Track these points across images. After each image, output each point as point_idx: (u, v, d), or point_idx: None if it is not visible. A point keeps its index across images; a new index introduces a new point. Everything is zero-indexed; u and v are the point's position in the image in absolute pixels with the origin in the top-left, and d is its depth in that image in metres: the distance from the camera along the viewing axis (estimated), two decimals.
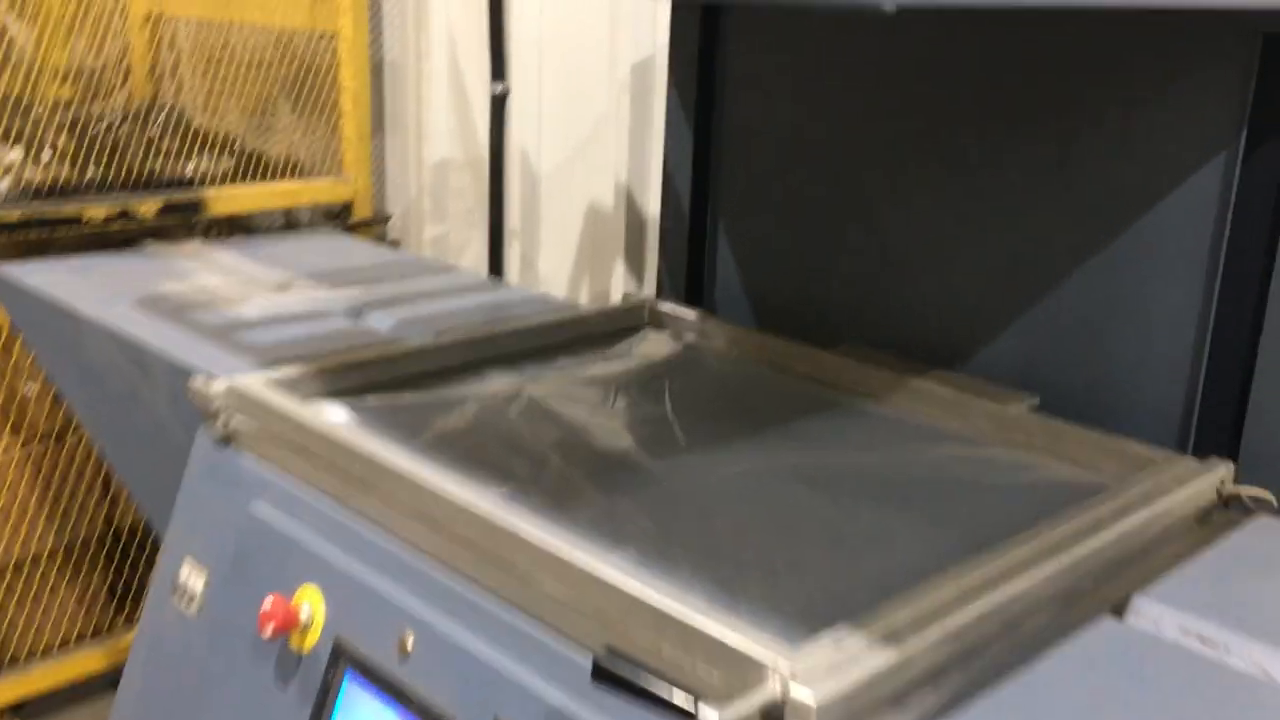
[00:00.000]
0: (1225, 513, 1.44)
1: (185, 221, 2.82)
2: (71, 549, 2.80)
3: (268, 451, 1.51)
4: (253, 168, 2.92)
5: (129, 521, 2.87)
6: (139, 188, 2.70)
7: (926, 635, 1.05)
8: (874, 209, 1.87)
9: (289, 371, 1.60)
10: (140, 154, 2.74)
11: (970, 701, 1.03)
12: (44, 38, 2.87)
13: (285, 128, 3.08)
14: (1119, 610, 1.24)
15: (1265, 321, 1.48)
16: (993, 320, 1.74)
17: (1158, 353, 1.58)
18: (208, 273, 2.23)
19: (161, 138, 2.87)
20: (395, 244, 3.27)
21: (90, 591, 2.86)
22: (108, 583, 2.89)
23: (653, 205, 2.56)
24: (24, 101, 2.76)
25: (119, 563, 2.87)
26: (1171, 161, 1.54)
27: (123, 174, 2.66)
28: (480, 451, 1.44)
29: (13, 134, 2.63)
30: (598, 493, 1.34)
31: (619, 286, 2.63)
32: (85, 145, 2.64)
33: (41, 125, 2.70)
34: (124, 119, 2.92)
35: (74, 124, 2.76)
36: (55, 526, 2.75)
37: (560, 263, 2.85)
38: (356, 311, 2.02)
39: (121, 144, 2.70)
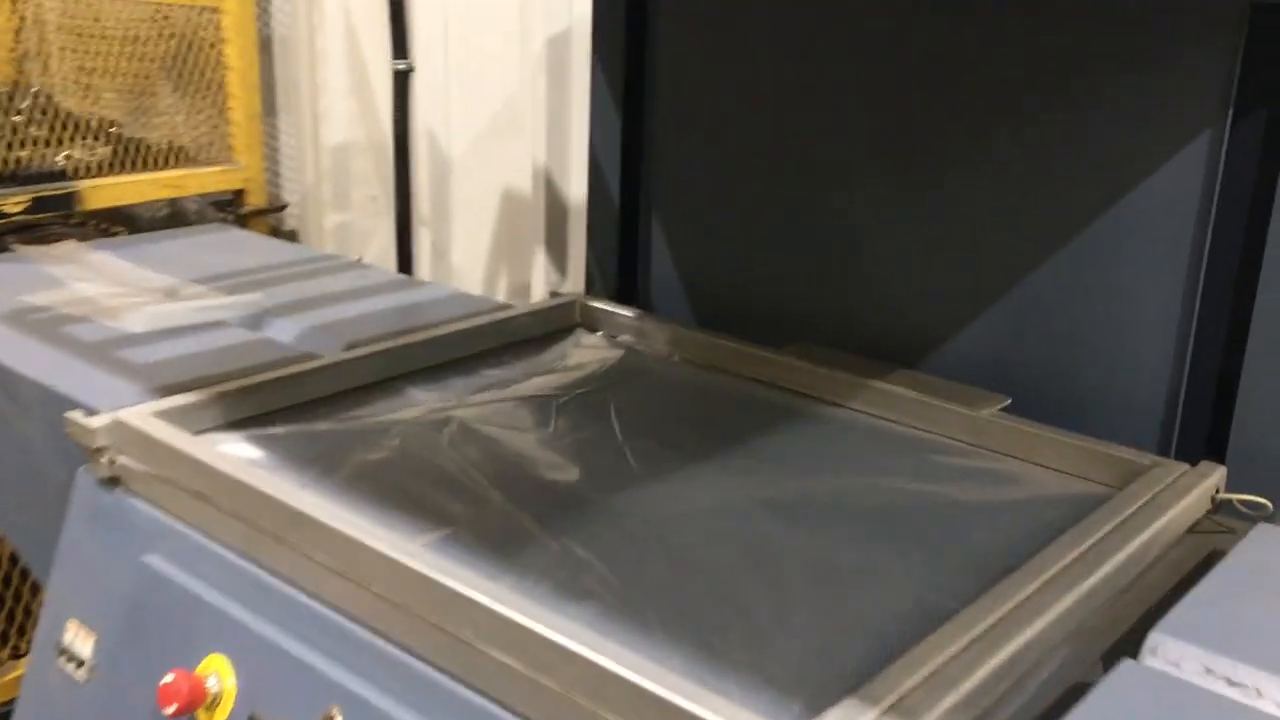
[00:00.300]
0: (1215, 519, 1.34)
1: (58, 218, 2.57)
2: None
3: (161, 495, 1.32)
4: (132, 156, 2.67)
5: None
6: (2, 181, 2.44)
7: (941, 704, 0.92)
8: (824, 196, 1.73)
9: (181, 400, 1.40)
10: (3, 143, 2.48)
11: None
12: None
13: (167, 111, 2.83)
14: (1133, 647, 1.13)
15: (1254, 313, 1.38)
16: (956, 315, 1.62)
17: (1137, 348, 1.48)
18: (84, 278, 2.00)
19: (27, 124, 2.61)
20: (293, 234, 3.05)
21: None
22: None
23: (574, 191, 2.39)
24: None
25: None
26: (1151, 142, 1.43)
27: None
28: (409, 489, 1.27)
29: None
30: (548, 536, 1.18)
31: (540, 279, 2.46)
32: None
33: None
34: None
35: None
36: None
37: (475, 254, 2.66)
38: (255, 320, 1.82)
39: None
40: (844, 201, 1.71)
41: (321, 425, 1.43)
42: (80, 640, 1.36)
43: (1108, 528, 1.20)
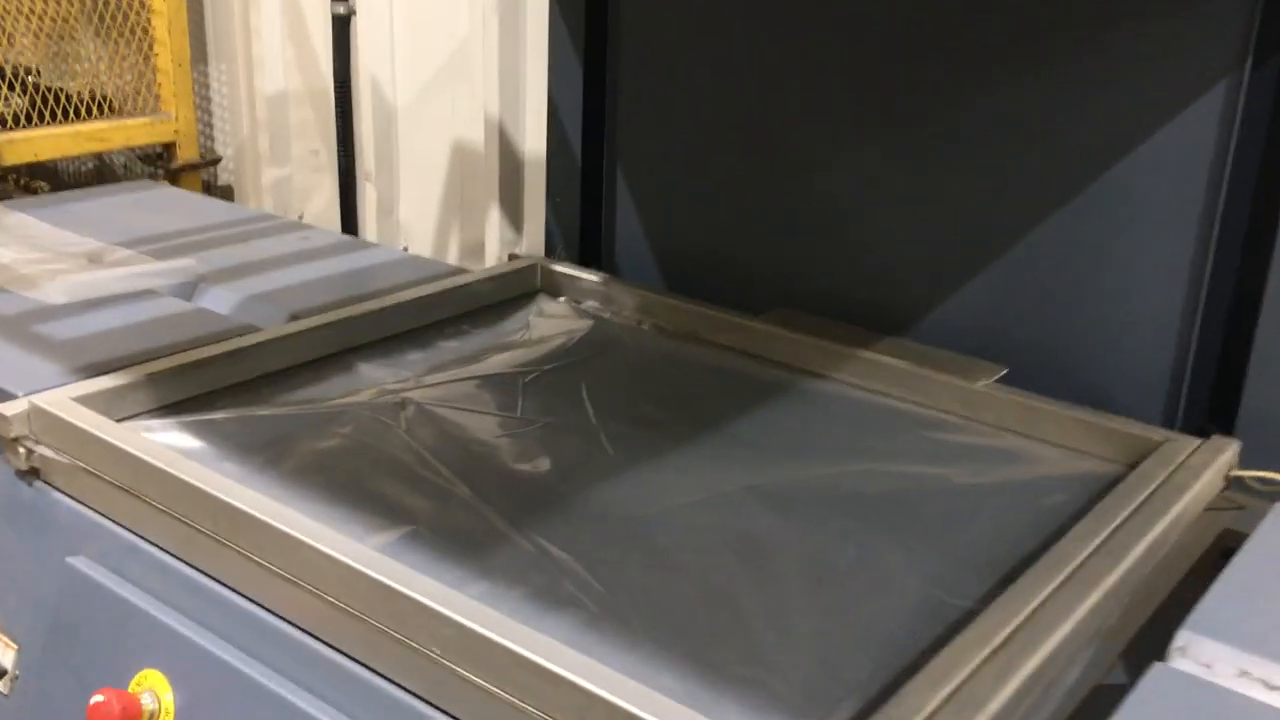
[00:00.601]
0: (1227, 495, 1.26)
1: None
2: None
3: (86, 490, 1.19)
4: (52, 107, 2.49)
5: None
6: None
7: None
8: (804, 150, 1.61)
9: (104, 383, 1.27)
10: None
11: None
12: None
13: (89, 58, 2.64)
14: (1156, 644, 1.05)
15: (1269, 276, 1.30)
16: (946, 278, 1.52)
17: (1140, 314, 1.39)
18: (0, 242, 1.84)
19: None
20: (228, 191, 2.88)
21: None
22: None
23: (529, 143, 2.25)
24: None
25: None
26: (1161, 94, 1.33)
27: None
28: (363, 482, 1.15)
29: None
30: (519, 536, 1.07)
31: (494, 239, 2.33)
32: None
33: None
34: None
35: None
36: None
37: (423, 211, 2.51)
38: (188, 289, 1.68)
39: None
40: (825, 156, 1.60)
41: (263, 409, 1.30)
42: (0, 650, 1.23)
43: (1125, 513, 1.11)
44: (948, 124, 1.48)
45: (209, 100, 2.87)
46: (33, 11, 2.63)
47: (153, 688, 1.07)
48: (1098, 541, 1.06)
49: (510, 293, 1.69)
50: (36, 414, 1.22)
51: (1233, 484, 1.28)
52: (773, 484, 1.17)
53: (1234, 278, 1.33)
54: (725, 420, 1.32)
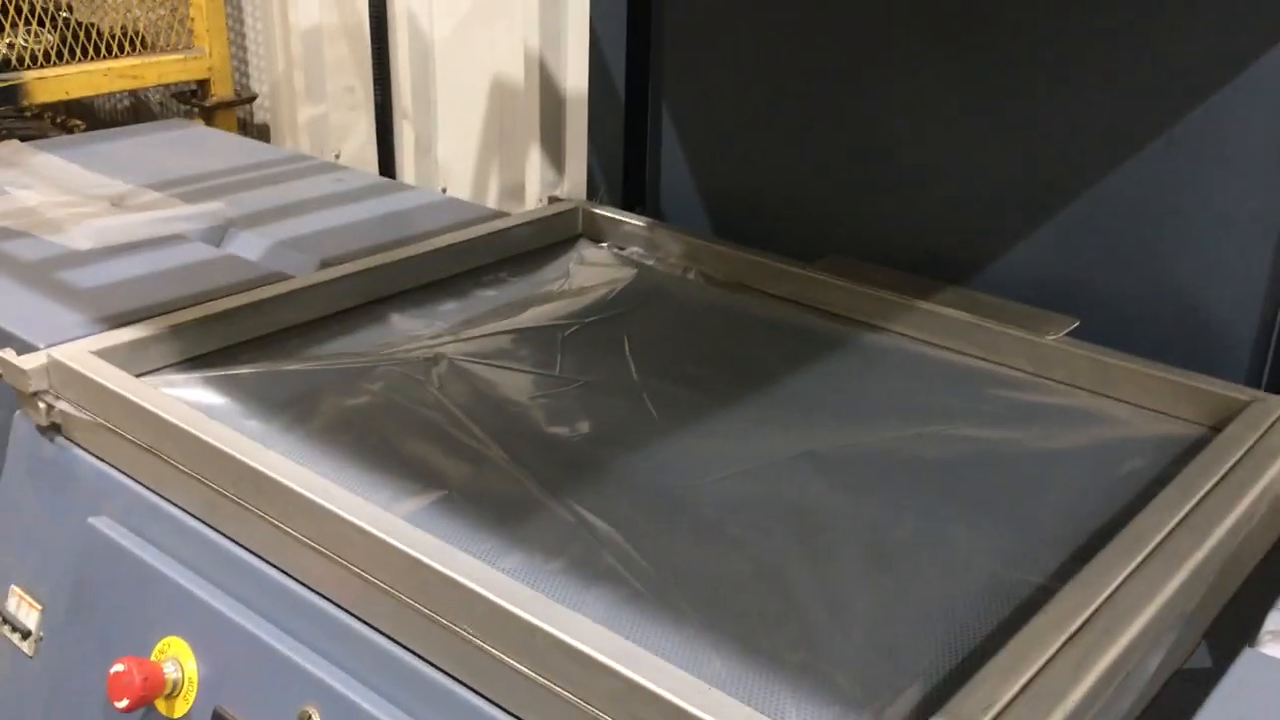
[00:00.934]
0: None
1: (6, 113, 2.34)
2: None
3: (107, 447, 1.14)
4: (83, 43, 2.42)
5: None
6: None
7: None
8: (862, 85, 1.51)
9: (125, 335, 1.21)
10: None
11: None
12: None
13: None
14: (1241, 624, 0.97)
15: None
16: (1013, 224, 1.43)
17: (1224, 264, 1.29)
18: (26, 184, 1.79)
19: None
20: (264, 129, 2.82)
21: None
22: None
23: (571, 79, 2.16)
24: None
25: None
26: (1253, 28, 1.21)
27: None
28: (393, 444, 1.09)
29: None
30: (557, 503, 1.00)
31: (534, 179, 2.25)
32: None
33: None
34: None
35: None
36: None
37: (462, 150, 2.44)
38: (217, 234, 1.62)
39: None
40: (883, 91, 1.50)
41: (290, 363, 1.24)
42: (25, 610, 1.20)
43: (1211, 481, 1.03)
44: (1015, 55, 1.38)
45: (243, 36, 2.79)
46: None
47: (176, 656, 1.03)
48: (1183, 513, 0.98)
49: (550, 238, 1.62)
50: (55, 368, 1.17)
51: None
52: (827, 449, 1.09)
53: None
54: (775, 378, 1.24)
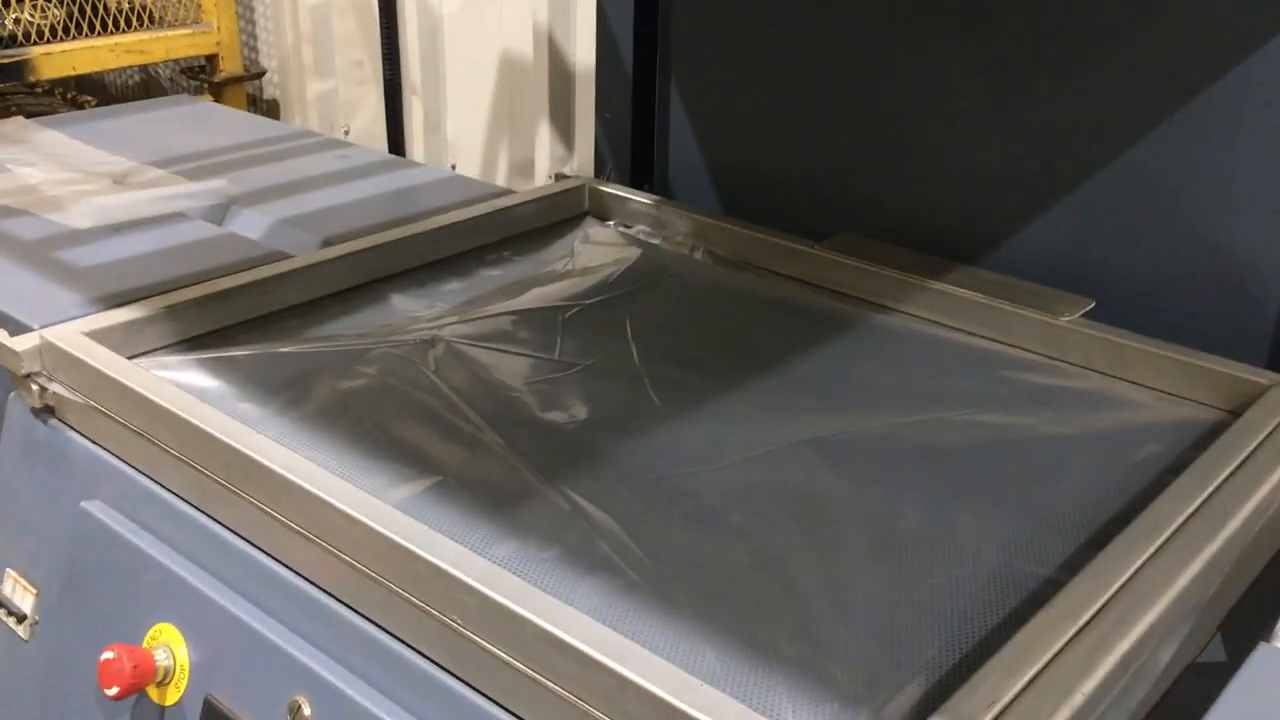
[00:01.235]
0: None
1: (16, 89, 2.33)
2: None
3: (100, 430, 1.13)
4: (89, 18, 2.40)
5: None
6: None
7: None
8: (875, 61, 1.47)
9: (118, 316, 1.19)
10: None
11: None
12: None
13: None
14: (1257, 616, 0.94)
15: None
16: (1027, 202, 1.39)
17: (1245, 244, 1.25)
18: (28, 161, 1.77)
19: None
20: (273, 104, 2.79)
21: None
22: None
23: (580, 54, 2.13)
24: None
25: None
26: (1274, 1, 1.17)
27: None
28: (388, 429, 1.07)
29: None
30: (553, 490, 0.98)
31: (544, 155, 2.22)
32: None
33: None
34: None
35: None
36: None
37: (472, 126, 2.41)
38: (218, 212, 1.60)
39: None
40: (895, 66, 1.46)
41: (287, 345, 1.21)
42: (20, 594, 1.18)
43: (1229, 468, 1.00)
44: (1031, 31, 1.33)
45: (252, 10, 2.77)
46: None
47: (168, 643, 1.01)
48: (1199, 501, 0.95)
49: (556, 216, 1.59)
50: (48, 349, 1.15)
51: None
52: (833, 436, 1.06)
53: None
54: (781, 362, 1.21)
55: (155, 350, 1.21)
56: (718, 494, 0.98)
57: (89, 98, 2.90)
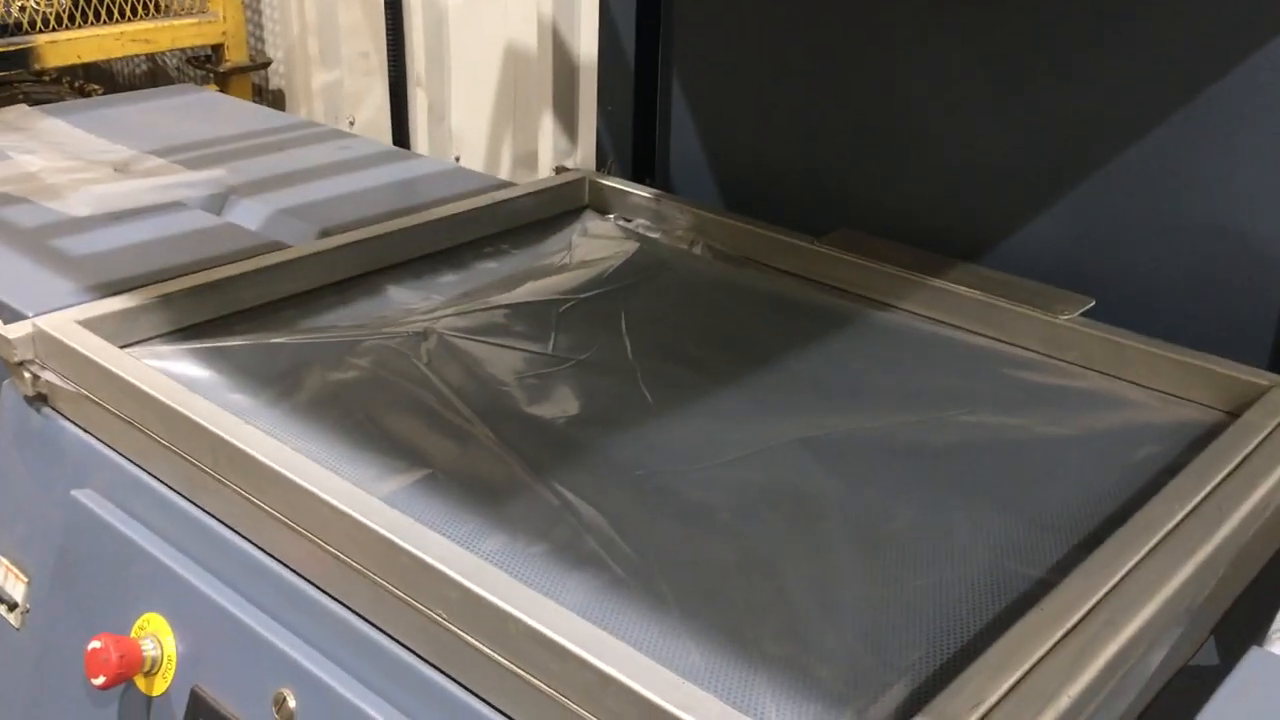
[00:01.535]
0: None
1: (25, 77, 2.33)
2: None
3: (91, 419, 1.12)
4: (96, 6, 2.40)
5: None
6: None
7: None
8: (877, 56, 1.46)
9: (111, 305, 1.19)
10: None
11: None
12: None
13: None
14: (1251, 620, 0.93)
15: None
16: (1029, 199, 1.38)
17: (1246, 243, 1.24)
18: (30, 149, 1.77)
19: None
20: (279, 96, 2.79)
21: None
22: None
23: (585, 46, 2.12)
24: None
25: None
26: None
27: None
28: (379, 421, 1.07)
29: None
30: (542, 485, 0.97)
31: (547, 148, 2.21)
32: None
33: None
34: None
35: None
36: None
37: (476, 118, 2.40)
38: (217, 201, 1.60)
39: None
40: (899, 64, 1.45)
41: (280, 336, 1.21)
42: (12, 582, 1.18)
43: (1226, 469, 0.99)
44: (1032, 27, 1.32)
45: (259, 0, 2.76)
46: None
47: (155, 633, 1.01)
48: (1194, 503, 0.94)
49: (555, 209, 1.58)
50: (41, 337, 1.15)
51: None
52: (826, 434, 1.05)
53: None
54: (777, 359, 1.20)
55: (149, 339, 1.20)
56: (708, 491, 0.97)
57: (96, 86, 2.90)
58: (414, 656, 0.85)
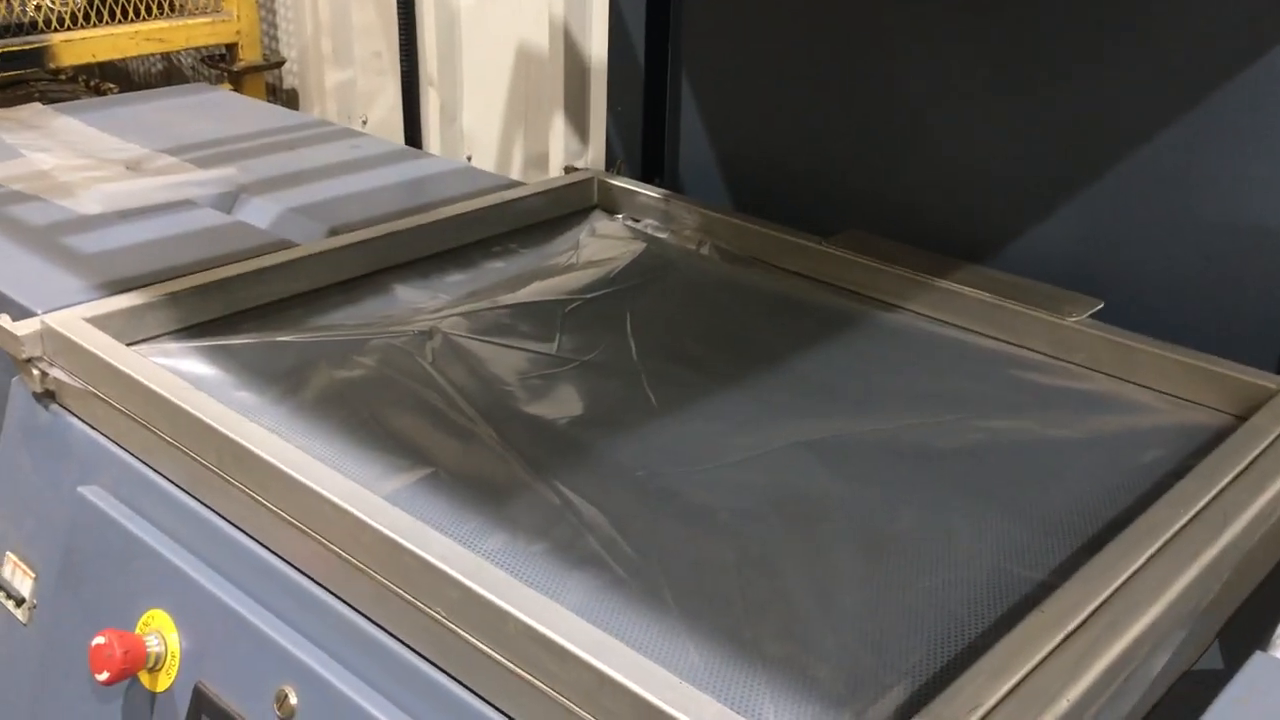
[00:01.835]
0: None
1: (40, 75, 2.34)
2: None
3: (99, 416, 1.13)
4: (110, 6, 2.41)
5: None
6: None
7: None
8: (886, 57, 1.46)
9: (119, 302, 1.19)
10: None
11: None
12: None
13: None
14: (1256, 624, 0.93)
15: None
16: (1037, 200, 1.37)
17: (1257, 246, 1.23)
18: (43, 148, 1.78)
19: None
20: (293, 95, 2.80)
21: None
22: None
23: (596, 46, 2.12)
24: None
25: None
26: None
27: None
28: (383, 420, 1.07)
29: None
30: (544, 485, 0.97)
31: (558, 148, 2.21)
32: None
33: None
34: None
35: None
36: None
37: (488, 118, 2.40)
38: (228, 199, 1.60)
39: None
40: (908, 66, 1.44)
41: (287, 334, 1.21)
42: (20, 578, 1.19)
43: (1232, 473, 0.98)
44: (1041, 27, 1.32)
45: (273, 0, 2.77)
46: None
47: (160, 629, 1.02)
48: (1199, 506, 0.93)
49: (564, 209, 1.58)
50: (49, 334, 1.15)
51: None
52: (830, 436, 1.05)
53: None
54: (782, 360, 1.20)
55: (156, 337, 1.21)
56: (710, 492, 0.97)
57: (111, 85, 2.92)
58: (414, 655, 0.85)
